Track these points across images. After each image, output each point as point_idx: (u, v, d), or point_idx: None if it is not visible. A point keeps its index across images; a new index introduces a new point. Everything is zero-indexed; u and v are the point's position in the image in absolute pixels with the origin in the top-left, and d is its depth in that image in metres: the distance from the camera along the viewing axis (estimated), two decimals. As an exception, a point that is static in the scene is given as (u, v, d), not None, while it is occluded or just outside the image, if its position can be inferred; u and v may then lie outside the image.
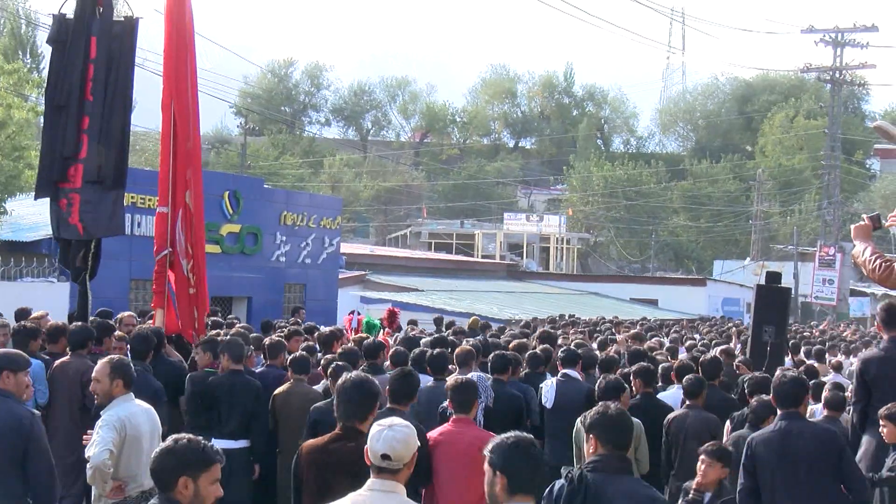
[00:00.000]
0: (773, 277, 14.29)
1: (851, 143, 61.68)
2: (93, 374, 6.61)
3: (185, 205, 10.12)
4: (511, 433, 4.21)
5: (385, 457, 4.28)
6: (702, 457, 6.06)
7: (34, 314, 11.27)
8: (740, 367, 11.14)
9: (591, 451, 4.87)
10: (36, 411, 6.36)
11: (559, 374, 9.38)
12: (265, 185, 26.57)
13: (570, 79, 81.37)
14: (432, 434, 6.41)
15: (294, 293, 24.24)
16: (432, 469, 6.18)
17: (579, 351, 10.32)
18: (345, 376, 5.60)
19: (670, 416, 8.42)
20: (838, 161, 49.47)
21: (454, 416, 6.52)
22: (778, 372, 7.29)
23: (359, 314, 15.21)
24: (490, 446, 4.15)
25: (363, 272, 33.49)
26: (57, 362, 8.75)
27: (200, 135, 11.01)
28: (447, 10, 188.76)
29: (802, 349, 15.91)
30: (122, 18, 10.33)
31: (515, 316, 27.02)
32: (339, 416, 5.39)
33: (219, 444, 6.01)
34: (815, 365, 13.47)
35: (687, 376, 8.74)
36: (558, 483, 4.79)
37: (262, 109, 69.52)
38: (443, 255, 50.46)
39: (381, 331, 14.02)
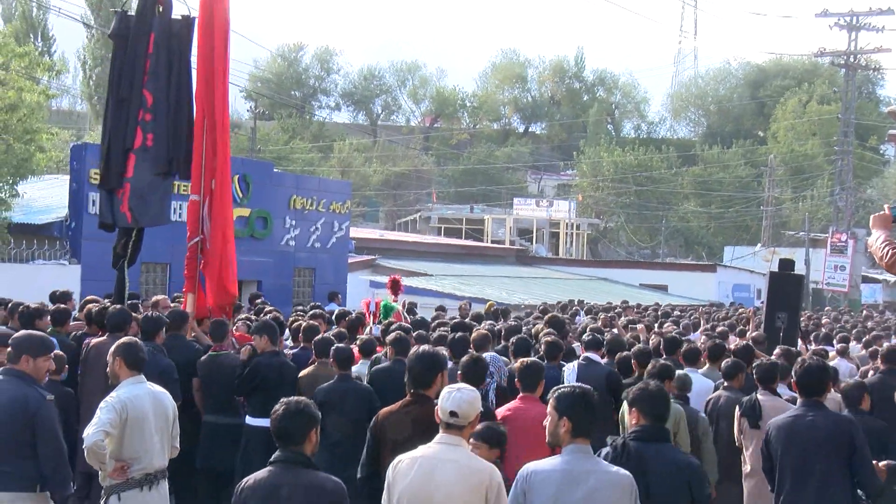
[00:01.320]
0: (787, 265, 14.36)
1: (865, 128, 61.33)
2: None
3: (211, 191, 10.38)
4: (575, 384, 5.11)
5: (453, 414, 4.98)
6: (471, 440, 5.62)
7: (156, 298, 12.14)
8: (756, 353, 11.17)
9: (633, 422, 5.50)
10: (49, 395, 6.35)
11: (581, 358, 9.52)
12: (275, 170, 26.56)
13: (581, 63, 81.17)
14: (501, 410, 7.12)
15: (303, 277, 24.26)
16: None
17: (602, 336, 10.54)
18: (413, 350, 6.54)
19: (709, 398, 8.89)
20: (851, 147, 49.13)
21: (521, 394, 7.20)
22: (800, 360, 7.25)
23: (376, 298, 15.28)
24: (556, 395, 4.89)
25: (372, 257, 33.49)
26: (92, 343, 8.98)
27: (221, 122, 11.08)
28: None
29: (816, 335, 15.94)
30: (180, 17, 10.86)
31: (525, 301, 27.00)
32: (408, 385, 6.17)
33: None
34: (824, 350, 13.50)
35: (726, 360, 9.21)
36: (604, 450, 5.34)
37: (272, 94, 69.45)
38: (452, 240, 50.44)
39: (394, 310, 14.11)
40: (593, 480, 4.70)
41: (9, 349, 6.44)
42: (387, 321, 11.77)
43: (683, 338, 12.13)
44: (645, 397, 5.48)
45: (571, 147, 71.66)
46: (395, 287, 14.26)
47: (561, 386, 5.12)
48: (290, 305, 20.10)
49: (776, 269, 14.59)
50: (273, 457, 4.95)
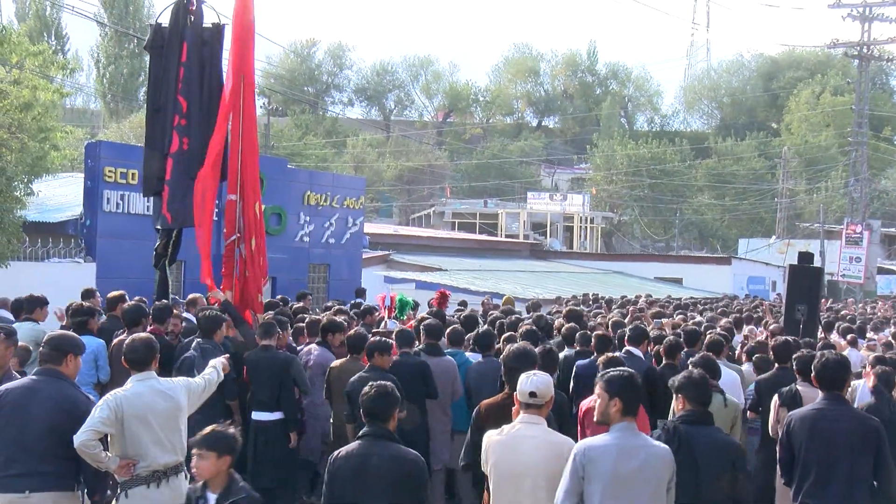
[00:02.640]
0: (806, 257, 14.51)
1: (879, 119, 61.08)
2: None
3: (244, 191, 10.61)
4: (623, 369, 5.71)
5: (532, 395, 5.76)
6: (195, 449, 5.78)
7: (192, 297, 12.63)
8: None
9: (679, 407, 6.10)
10: (91, 396, 6.52)
11: (622, 351, 9.55)
12: (289, 166, 26.60)
13: (594, 57, 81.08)
14: (584, 403, 7.39)
15: (318, 273, 24.31)
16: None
17: (648, 330, 10.70)
18: (508, 349, 7.08)
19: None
20: (865, 137, 48.93)
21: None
22: (819, 353, 7.21)
23: (391, 293, 15.47)
24: (606, 378, 5.50)
25: (387, 252, 33.52)
26: (115, 340, 9.16)
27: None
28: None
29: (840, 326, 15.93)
30: (210, 25, 11.29)
31: (540, 295, 27.00)
32: (507, 381, 6.79)
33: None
34: (833, 340, 13.79)
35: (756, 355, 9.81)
36: (656, 432, 5.97)
37: (286, 90, 69.56)
38: (466, 235, 50.42)
39: (414, 308, 14.23)
40: (644, 454, 5.30)
41: (46, 348, 6.46)
42: (420, 318, 11.80)
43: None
44: (690, 385, 6.09)
45: (585, 140, 71.56)
46: (443, 301, 14.40)
47: (609, 370, 5.68)
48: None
49: (793, 262, 14.69)
50: (362, 432, 5.78)
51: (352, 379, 8.29)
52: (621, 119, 78.65)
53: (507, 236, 55.31)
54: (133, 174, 18.24)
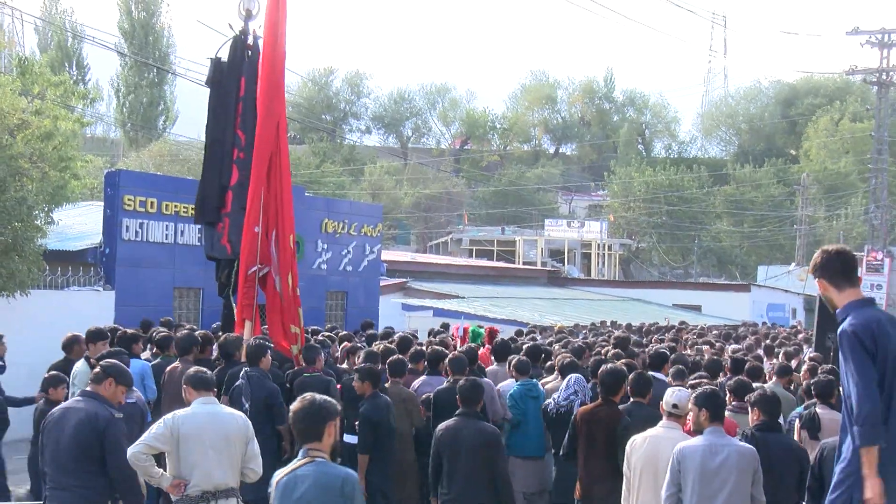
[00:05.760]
0: None
1: (899, 145, 60.78)
2: None
3: (278, 224, 10.71)
4: (707, 387, 6.95)
5: (675, 406, 7.03)
6: None
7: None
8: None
9: (755, 418, 7.38)
10: (118, 413, 6.86)
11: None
12: (306, 194, 26.66)
13: (611, 84, 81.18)
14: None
15: (335, 301, 24.30)
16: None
17: (672, 355, 11.34)
18: (603, 367, 8.36)
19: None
20: (885, 164, 48.67)
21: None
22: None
23: (464, 324, 16.11)
24: (696, 394, 6.73)
25: (404, 279, 33.49)
26: (168, 367, 9.78)
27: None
28: (487, 16, 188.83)
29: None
30: None
31: (557, 323, 26.91)
32: (600, 393, 8.20)
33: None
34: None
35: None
36: (736, 438, 6.96)
37: (303, 118, 69.90)
38: (484, 262, 50.37)
39: (483, 345, 14.38)
40: (727, 451, 6.40)
41: (98, 368, 7.02)
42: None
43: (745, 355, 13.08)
44: (764, 400, 7.36)
45: (602, 167, 71.54)
46: (493, 337, 14.61)
47: (702, 388, 6.92)
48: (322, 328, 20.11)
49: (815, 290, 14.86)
50: (458, 412, 7.92)
51: (439, 387, 9.62)
52: (639, 146, 78.63)
53: (524, 263, 55.25)
54: (152, 202, 18.33)
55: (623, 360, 10.28)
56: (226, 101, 11.33)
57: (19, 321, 14.21)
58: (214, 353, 10.73)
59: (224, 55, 11.42)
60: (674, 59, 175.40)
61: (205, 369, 7.07)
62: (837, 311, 5.45)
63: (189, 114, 58.13)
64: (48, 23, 59.59)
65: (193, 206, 15.34)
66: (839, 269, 5.52)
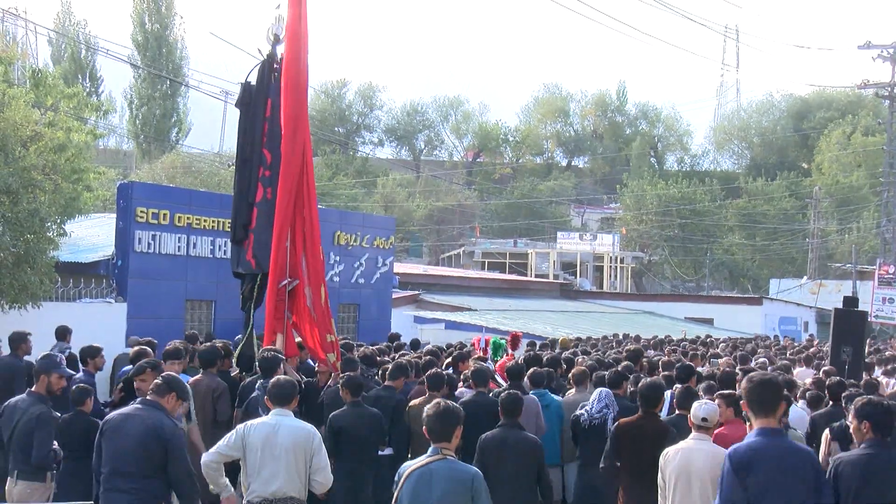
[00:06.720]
0: (851, 301, 15.52)
1: (911, 159, 60.54)
2: None
3: (306, 237, 11.25)
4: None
5: (704, 419, 7.40)
6: None
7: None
8: None
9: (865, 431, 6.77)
10: (181, 424, 7.29)
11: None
12: (319, 206, 26.66)
13: (623, 97, 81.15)
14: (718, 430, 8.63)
15: (348, 313, 24.28)
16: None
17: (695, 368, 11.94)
18: (643, 381, 8.77)
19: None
20: (898, 178, 48.56)
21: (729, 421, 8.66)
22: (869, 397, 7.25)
23: (486, 336, 16.25)
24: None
25: (416, 292, 33.47)
26: (191, 380, 9.77)
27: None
28: (499, 29, 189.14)
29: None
30: None
31: (570, 335, 26.83)
32: (640, 405, 8.49)
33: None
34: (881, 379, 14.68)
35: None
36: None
37: (316, 130, 70.04)
38: (496, 275, 50.36)
39: (506, 353, 14.54)
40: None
41: (160, 380, 7.25)
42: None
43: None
44: (876, 412, 6.54)
45: (614, 180, 71.47)
46: (515, 342, 14.84)
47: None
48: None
49: (839, 306, 15.63)
50: (500, 422, 8.29)
51: (462, 400, 9.56)
52: (651, 159, 78.57)
53: (536, 276, 55.20)
54: (164, 214, 18.36)
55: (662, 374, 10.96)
56: (254, 123, 11.70)
57: (31, 333, 14.23)
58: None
59: (253, 79, 11.81)
60: (686, 73, 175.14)
61: (287, 384, 7.28)
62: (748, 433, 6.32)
63: (202, 126, 58.43)
64: (62, 35, 59.93)
65: (206, 219, 15.54)
66: (755, 399, 6.19)
